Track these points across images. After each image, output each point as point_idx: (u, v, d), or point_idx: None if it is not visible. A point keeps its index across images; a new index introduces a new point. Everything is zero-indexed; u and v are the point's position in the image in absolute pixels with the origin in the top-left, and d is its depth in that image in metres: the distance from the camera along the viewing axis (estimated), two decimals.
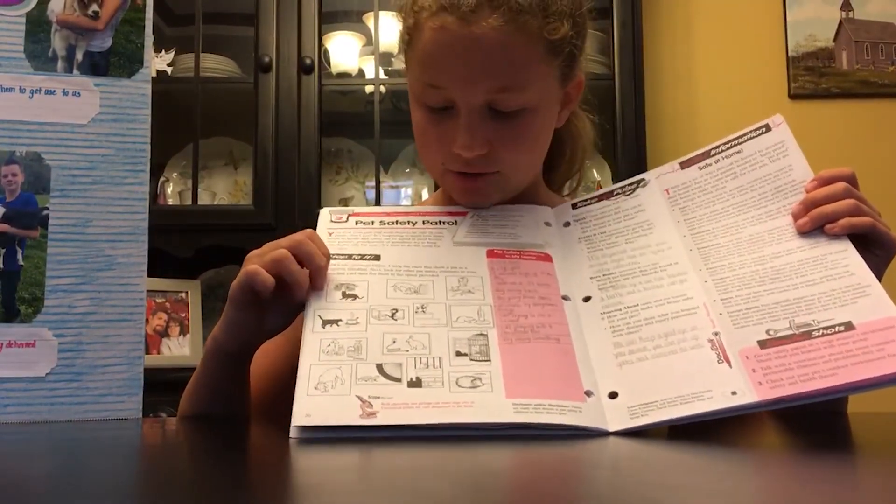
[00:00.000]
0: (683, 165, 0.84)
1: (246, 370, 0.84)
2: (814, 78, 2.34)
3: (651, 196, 0.83)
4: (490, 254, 0.80)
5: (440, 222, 0.85)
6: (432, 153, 0.87)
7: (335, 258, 0.79)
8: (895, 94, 2.34)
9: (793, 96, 2.33)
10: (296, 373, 0.68)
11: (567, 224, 0.85)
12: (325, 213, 0.85)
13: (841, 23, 2.36)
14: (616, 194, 0.86)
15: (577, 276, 0.79)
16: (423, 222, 0.84)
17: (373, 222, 0.84)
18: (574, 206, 0.87)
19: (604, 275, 0.78)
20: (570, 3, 0.83)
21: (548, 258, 0.81)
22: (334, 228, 0.83)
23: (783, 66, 2.34)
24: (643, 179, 0.85)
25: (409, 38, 0.85)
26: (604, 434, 0.65)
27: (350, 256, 0.79)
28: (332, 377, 0.67)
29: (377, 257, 0.79)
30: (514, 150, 0.85)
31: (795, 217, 0.74)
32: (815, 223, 0.73)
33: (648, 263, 0.77)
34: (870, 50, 2.35)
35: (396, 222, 0.84)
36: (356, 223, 0.84)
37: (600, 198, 0.86)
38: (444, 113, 0.84)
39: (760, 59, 2.35)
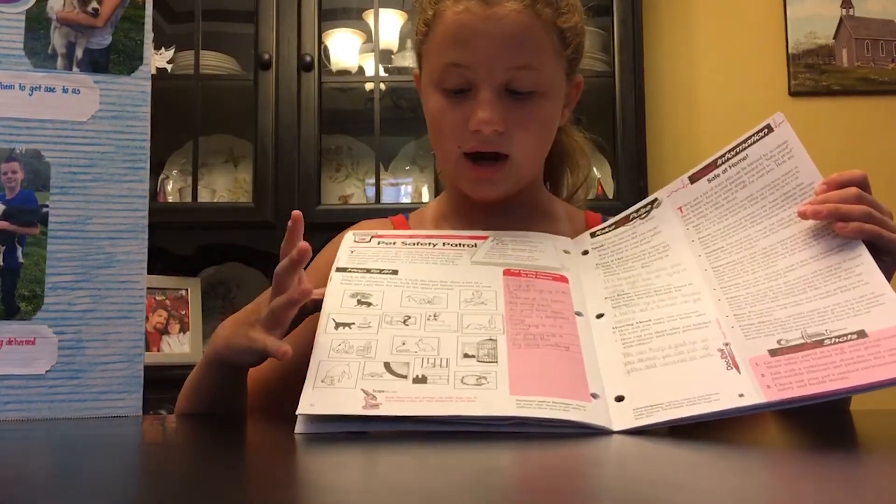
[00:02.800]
0: (693, 179, 0.84)
1: (244, 376, 0.84)
2: (814, 75, 2.34)
3: (665, 216, 0.84)
4: (506, 272, 0.82)
5: (461, 245, 0.86)
6: (447, 138, 0.90)
7: (353, 271, 0.81)
8: (895, 91, 2.34)
9: (793, 93, 2.33)
10: (291, 380, 0.69)
11: (586, 252, 0.86)
12: (349, 236, 0.88)
13: (841, 20, 2.35)
14: (632, 219, 0.86)
15: (591, 295, 0.80)
16: (444, 244, 0.86)
17: (394, 242, 0.86)
18: (593, 235, 0.88)
19: (618, 294, 0.79)
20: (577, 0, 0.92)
21: (563, 279, 0.82)
22: (356, 247, 0.85)
23: (783, 63, 2.34)
24: (656, 200, 0.86)
25: (427, 29, 0.90)
26: (607, 433, 0.65)
27: (368, 270, 0.81)
28: (340, 372, 0.68)
29: (395, 272, 0.81)
30: (527, 132, 0.88)
31: (804, 215, 0.73)
32: (830, 215, 0.72)
33: (663, 284, 0.77)
34: (870, 47, 2.35)
35: (418, 243, 0.86)
36: (378, 243, 0.86)
37: (617, 224, 0.87)
38: (461, 95, 0.88)
39: (760, 57, 2.35)
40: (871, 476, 0.50)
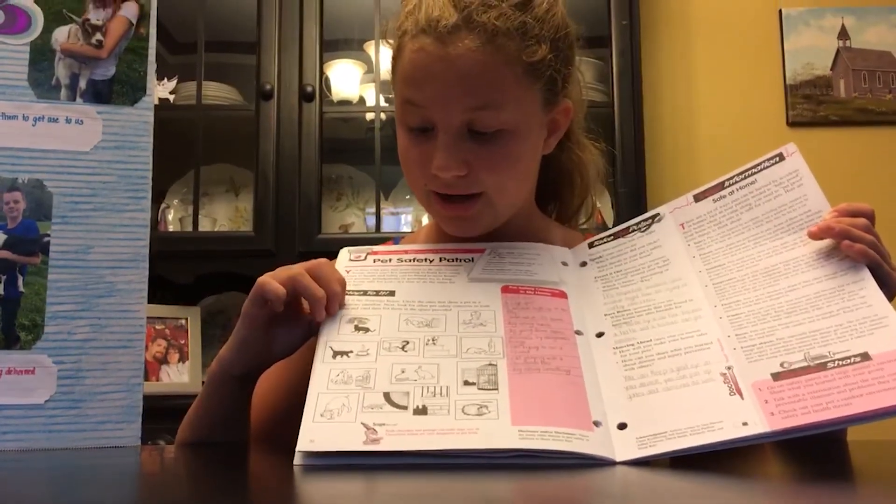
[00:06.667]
0: (698, 198, 0.83)
1: (248, 394, 0.83)
2: (812, 106, 2.35)
3: (666, 231, 0.83)
4: (505, 289, 0.80)
5: (457, 259, 0.85)
6: (415, 175, 0.87)
7: (350, 294, 0.79)
8: (893, 121, 2.35)
9: (791, 124, 2.35)
10: (296, 400, 0.68)
11: (584, 264, 0.85)
12: (344, 253, 0.86)
13: (838, 51, 2.37)
14: (632, 231, 0.85)
15: (591, 312, 0.79)
16: (441, 259, 0.85)
17: (390, 259, 0.85)
18: (591, 245, 0.87)
19: (618, 311, 0.78)
20: (552, 28, 0.84)
21: (562, 295, 0.81)
22: (352, 267, 0.84)
23: (781, 94, 2.36)
24: (658, 214, 0.85)
25: (394, 61, 0.86)
26: (610, 463, 0.64)
27: (365, 293, 0.80)
28: (339, 405, 0.67)
29: (392, 293, 0.80)
30: (494, 173, 0.84)
31: (814, 234, 0.74)
32: (840, 233, 0.72)
33: (663, 300, 0.77)
34: (867, 78, 2.37)
35: (414, 259, 0.85)
36: (374, 261, 0.85)
37: (616, 235, 0.86)
38: (424, 134, 0.84)
39: (759, 87, 2.36)
40: None
